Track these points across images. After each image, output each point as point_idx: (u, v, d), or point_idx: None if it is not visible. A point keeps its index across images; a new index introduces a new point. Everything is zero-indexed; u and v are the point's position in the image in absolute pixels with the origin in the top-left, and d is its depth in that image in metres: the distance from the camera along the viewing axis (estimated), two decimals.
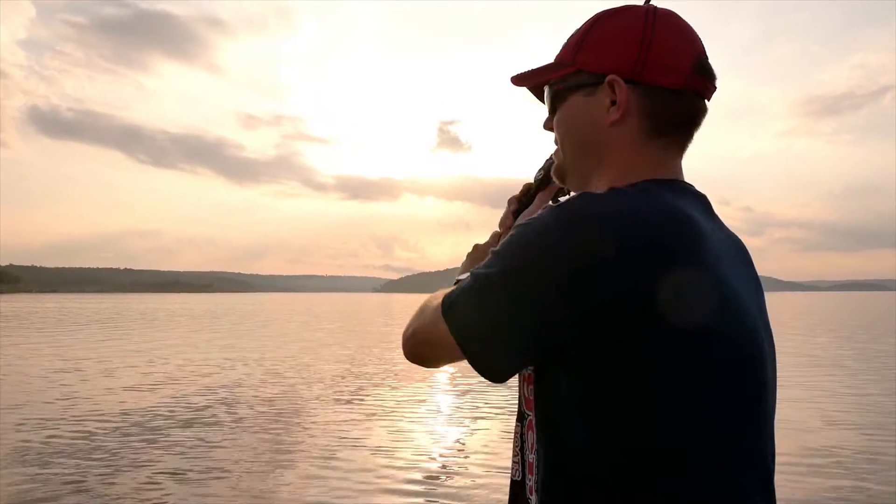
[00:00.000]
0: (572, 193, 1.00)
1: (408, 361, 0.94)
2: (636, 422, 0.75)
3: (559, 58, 0.93)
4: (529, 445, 0.87)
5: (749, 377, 0.80)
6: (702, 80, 0.87)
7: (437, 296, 0.91)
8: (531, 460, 0.86)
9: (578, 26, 0.92)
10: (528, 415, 0.88)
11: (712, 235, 0.82)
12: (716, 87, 0.89)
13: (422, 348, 0.91)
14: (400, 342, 0.97)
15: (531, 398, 0.86)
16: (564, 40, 0.94)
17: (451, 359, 0.87)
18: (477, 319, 0.80)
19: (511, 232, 0.80)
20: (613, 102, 0.86)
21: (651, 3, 0.90)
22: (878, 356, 16.06)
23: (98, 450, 6.90)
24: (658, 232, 0.76)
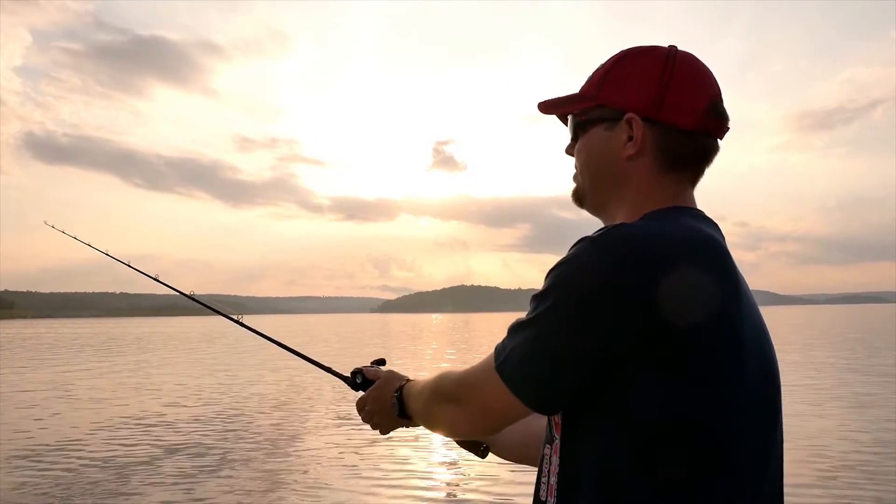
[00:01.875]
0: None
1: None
2: (656, 452, 0.79)
3: (583, 90, 1.00)
4: (553, 469, 0.90)
5: (769, 401, 0.87)
6: (715, 122, 0.94)
7: (450, 371, 0.99)
8: (553, 483, 0.89)
9: (604, 61, 1.00)
10: (556, 438, 0.90)
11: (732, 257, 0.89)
12: (728, 128, 0.96)
13: (491, 419, 0.92)
14: None
15: (559, 422, 0.89)
16: (589, 73, 1.01)
17: (517, 414, 0.88)
18: (523, 361, 0.84)
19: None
20: (630, 138, 0.93)
21: (674, 46, 0.96)
22: (879, 369, 15.92)
23: (87, 479, 6.72)
24: (682, 252, 0.82)
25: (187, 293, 1.79)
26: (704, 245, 0.85)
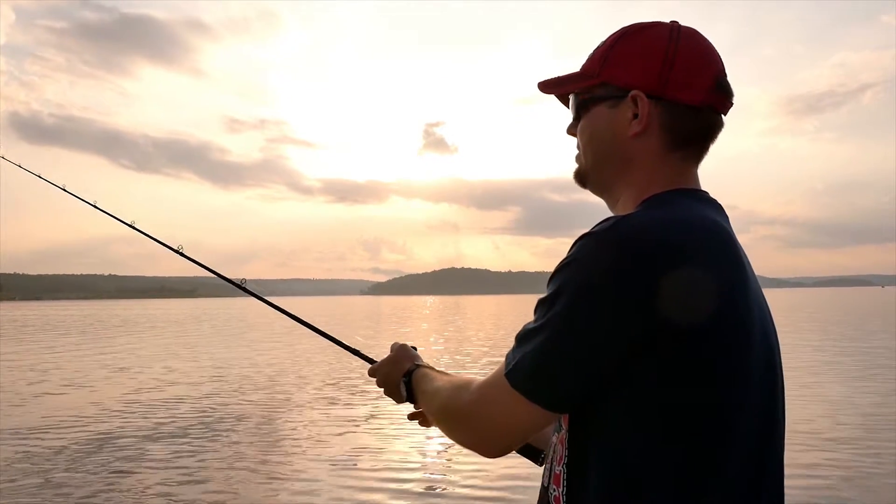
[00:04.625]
0: None
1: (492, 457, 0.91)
2: (663, 446, 0.79)
3: (585, 69, 0.97)
4: (558, 458, 0.90)
5: (772, 393, 0.87)
6: (720, 98, 0.92)
7: (465, 384, 0.94)
8: (557, 472, 0.89)
9: (604, 38, 0.97)
10: (563, 428, 0.89)
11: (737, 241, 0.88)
12: (732, 104, 0.94)
13: (510, 432, 0.87)
14: None
15: (566, 414, 0.88)
16: (591, 50, 0.98)
17: (536, 422, 0.85)
18: (538, 366, 0.81)
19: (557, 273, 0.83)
20: (636, 115, 0.91)
21: (676, 21, 0.94)
22: (868, 351, 16.03)
23: (67, 467, 6.65)
24: (690, 242, 0.80)
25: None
26: (712, 233, 0.84)
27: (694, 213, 0.86)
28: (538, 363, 0.81)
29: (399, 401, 1.20)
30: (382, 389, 1.24)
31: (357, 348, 1.52)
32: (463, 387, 0.94)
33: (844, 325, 26.68)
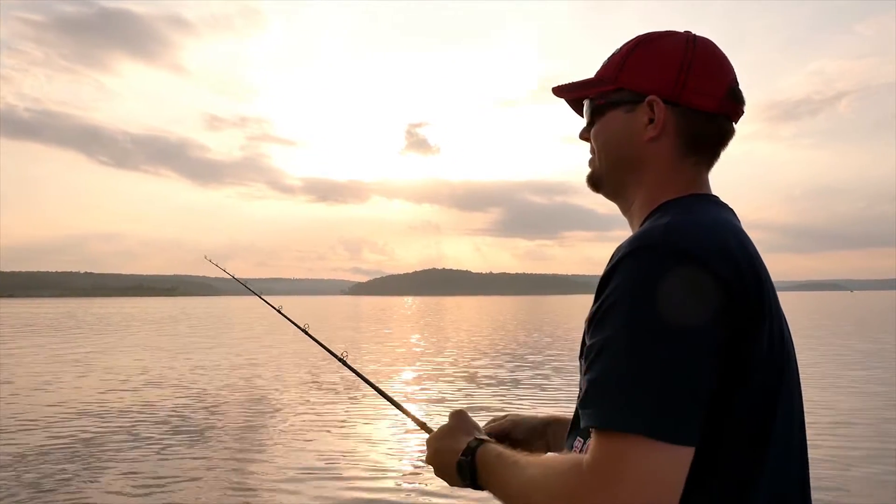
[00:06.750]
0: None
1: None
2: (717, 455, 0.79)
3: (601, 74, 1.00)
4: None
5: (798, 394, 0.89)
6: (733, 106, 0.95)
7: (571, 463, 0.77)
8: None
9: (621, 45, 1.00)
10: (590, 436, 0.81)
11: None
12: (744, 112, 0.97)
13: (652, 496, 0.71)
14: None
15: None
16: (607, 56, 1.01)
17: (684, 472, 0.73)
18: (662, 401, 0.73)
19: (606, 309, 0.79)
20: (651, 120, 0.94)
21: (689, 31, 0.98)
22: (850, 354, 16.06)
23: (30, 472, 6.28)
24: (733, 246, 0.82)
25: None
26: (741, 236, 0.86)
27: (719, 217, 0.88)
28: (660, 397, 0.73)
29: (455, 485, 0.98)
30: (433, 469, 1.04)
31: (415, 414, 1.37)
32: (569, 467, 0.77)
33: (823, 330, 26.84)
